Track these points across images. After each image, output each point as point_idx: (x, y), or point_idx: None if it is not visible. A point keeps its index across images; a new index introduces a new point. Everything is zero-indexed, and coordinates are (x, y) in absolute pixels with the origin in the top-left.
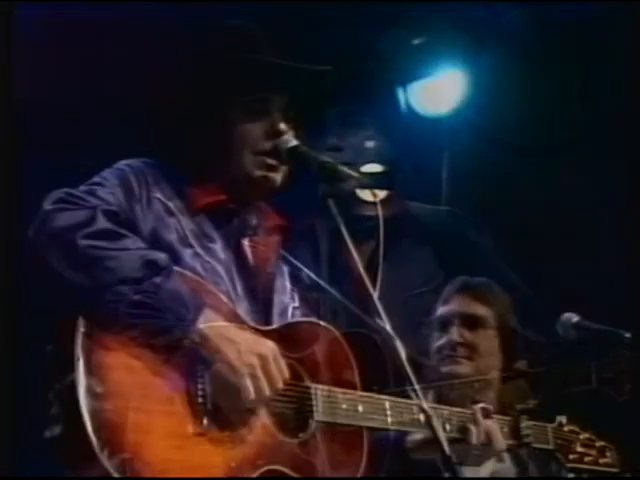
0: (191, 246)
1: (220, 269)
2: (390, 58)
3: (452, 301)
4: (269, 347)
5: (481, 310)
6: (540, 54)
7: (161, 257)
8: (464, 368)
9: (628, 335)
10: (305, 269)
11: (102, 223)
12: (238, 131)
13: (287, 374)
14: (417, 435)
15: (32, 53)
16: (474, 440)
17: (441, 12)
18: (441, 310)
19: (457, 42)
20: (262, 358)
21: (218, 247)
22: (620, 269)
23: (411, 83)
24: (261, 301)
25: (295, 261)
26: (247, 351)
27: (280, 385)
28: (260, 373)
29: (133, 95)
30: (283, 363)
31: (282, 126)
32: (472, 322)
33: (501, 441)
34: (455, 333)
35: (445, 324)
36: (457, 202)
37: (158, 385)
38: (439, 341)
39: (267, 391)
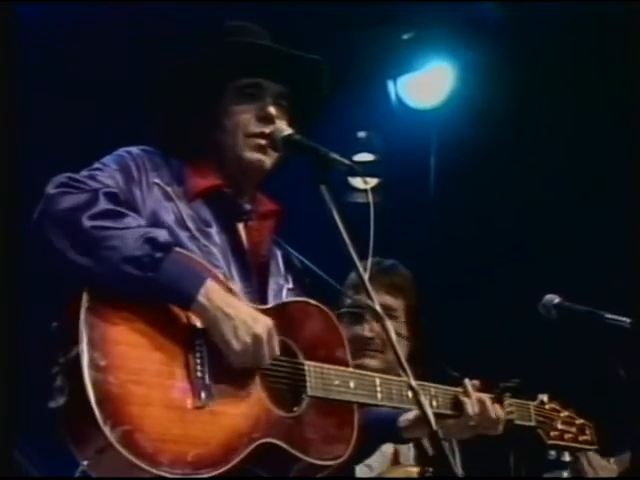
0: (188, 229)
1: (216, 252)
2: (381, 52)
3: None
4: (264, 325)
5: (391, 301)
6: (527, 48)
7: (162, 234)
8: (375, 362)
9: (628, 321)
10: (296, 253)
11: (104, 204)
12: (231, 114)
13: (278, 352)
14: (410, 415)
15: (32, 52)
16: (470, 411)
17: (430, 8)
18: (351, 299)
19: (445, 37)
20: (256, 339)
21: (214, 231)
22: (617, 256)
23: (401, 76)
24: (256, 283)
25: (287, 245)
26: (243, 330)
27: (267, 363)
28: (251, 354)
29: (131, 82)
30: (276, 341)
31: (272, 110)
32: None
33: (492, 409)
34: (366, 329)
35: (355, 316)
36: (444, 190)
37: (158, 359)
38: (350, 333)
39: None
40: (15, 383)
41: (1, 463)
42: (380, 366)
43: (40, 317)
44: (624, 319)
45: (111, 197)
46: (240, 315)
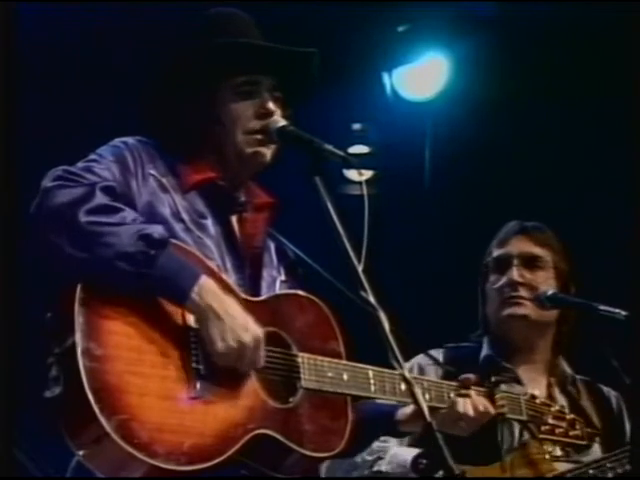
0: (183, 221)
1: (210, 244)
2: (376, 44)
3: (509, 243)
4: (253, 335)
5: (539, 250)
6: (522, 40)
7: (157, 230)
8: (525, 310)
9: (624, 313)
10: (290, 245)
11: (100, 199)
12: (230, 112)
13: (261, 364)
14: (408, 408)
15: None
16: (460, 408)
17: (425, 0)
18: (498, 252)
19: (440, 29)
20: (242, 346)
21: (208, 223)
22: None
23: (396, 68)
24: (249, 274)
25: (281, 237)
26: (230, 334)
27: (249, 370)
28: (233, 358)
29: (129, 78)
30: (261, 355)
31: (271, 106)
32: (531, 262)
33: (472, 406)
34: (515, 273)
35: (503, 265)
36: (439, 182)
37: (153, 350)
38: (498, 283)
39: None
40: (15, 383)
41: (1, 463)
42: (533, 315)
43: (36, 309)
44: (618, 310)
45: (107, 191)
46: (231, 319)
